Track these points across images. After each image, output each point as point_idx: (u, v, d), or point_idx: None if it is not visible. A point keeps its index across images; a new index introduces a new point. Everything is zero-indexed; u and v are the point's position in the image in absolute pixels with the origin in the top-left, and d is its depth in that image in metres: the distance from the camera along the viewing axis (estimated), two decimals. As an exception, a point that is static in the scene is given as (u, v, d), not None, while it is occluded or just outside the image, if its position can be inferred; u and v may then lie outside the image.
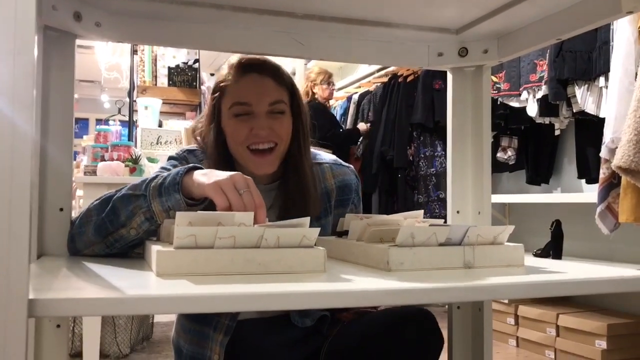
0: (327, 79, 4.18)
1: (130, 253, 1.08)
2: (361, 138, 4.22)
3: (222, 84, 1.20)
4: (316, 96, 4.14)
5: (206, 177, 0.94)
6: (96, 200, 1.05)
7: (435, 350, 1.07)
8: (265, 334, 1.19)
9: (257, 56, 1.22)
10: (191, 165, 1.00)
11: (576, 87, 2.74)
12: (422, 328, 1.07)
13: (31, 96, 0.55)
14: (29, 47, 0.55)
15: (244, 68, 1.19)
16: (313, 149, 1.32)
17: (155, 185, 0.97)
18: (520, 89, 3.06)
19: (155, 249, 0.78)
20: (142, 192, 0.98)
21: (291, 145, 1.20)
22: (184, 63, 4.08)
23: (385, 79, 4.28)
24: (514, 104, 3.13)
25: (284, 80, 1.20)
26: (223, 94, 1.19)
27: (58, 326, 1.06)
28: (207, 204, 0.97)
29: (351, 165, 1.35)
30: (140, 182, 1.01)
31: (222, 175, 0.93)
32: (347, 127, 4.58)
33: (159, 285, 0.71)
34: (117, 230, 1.00)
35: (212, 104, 1.21)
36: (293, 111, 1.21)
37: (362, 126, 4.22)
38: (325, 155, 1.33)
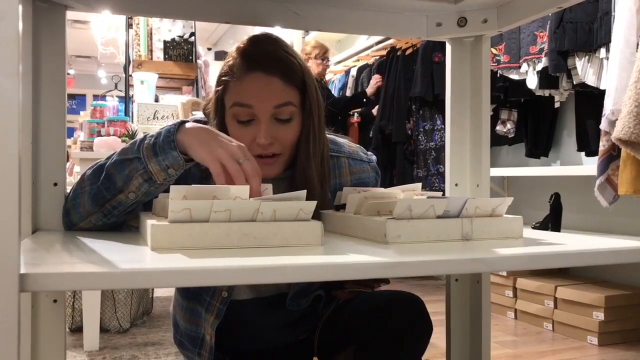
0: (323, 54, 4.08)
1: (126, 224, 1.07)
2: (365, 100, 4.12)
3: (224, 78, 1.08)
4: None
5: (201, 143, 0.93)
6: (88, 169, 1.04)
7: (423, 334, 1.07)
8: (261, 315, 1.18)
9: (266, 48, 1.08)
10: (179, 121, 0.98)
11: (576, 59, 2.71)
12: (411, 312, 1.07)
13: (16, 64, 0.54)
14: (12, 13, 0.53)
15: (248, 64, 1.05)
16: (332, 136, 1.23)
17: (148, 146, 0.95)
18: (520, 61, 3.03)
19: (149, 223, 0.77)
20: (135, 155, 0.96)
21: (299, 147, 1.10)
22: (179, 37, 4.03)
23: (384, 52, 4.24)
24: (514, 76, 3.11)
25: (293, 78, 1.06)
26: (226, 90, 1.08)
27: (55, 301, 1.06)
28: None
29: (373, 158, 1.26)
30: (131, 145, 0.99)
31: (218, 144, 0.92)
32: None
33: (153, 259, 0.70)
34: (114, 197, 0.98)
35: (216, 97, 1.10)
36: (304, 111, 1.09)
37: (371, 87, 4.11)
38: (345, 147, 1.22)
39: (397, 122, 3.81)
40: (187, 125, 0.96)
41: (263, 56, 1.06)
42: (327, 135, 1.20)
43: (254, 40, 1.10)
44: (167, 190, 0.86)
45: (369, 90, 4.10)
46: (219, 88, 1.10)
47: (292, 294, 1.15)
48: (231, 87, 1.07)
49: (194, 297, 1.15)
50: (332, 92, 4.54)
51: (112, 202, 0.99)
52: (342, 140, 1.25)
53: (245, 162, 0.91)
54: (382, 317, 1.06)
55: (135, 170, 0.96)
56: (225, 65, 1.09)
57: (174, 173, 0.96)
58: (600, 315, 2.55)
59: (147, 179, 0.96)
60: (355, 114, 4.37)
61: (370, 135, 4.13)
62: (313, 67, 4.07)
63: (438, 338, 2.54)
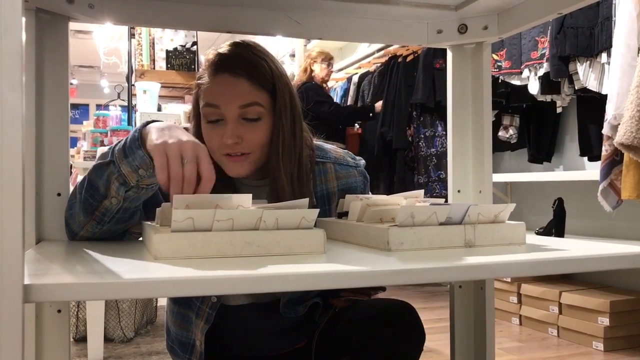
0: (328, 59, 4.16)
1: (129, 231, 1.07)
2: (371, 114, 4.08)
3: (198, 81, 1.12)
4: (314, 74, 4.13)
5: (158, 134, 0.90)
6: (80, 179, 1.05)
7: (415, 341, 1.07)
8: (256, 321, 1.18)
9: (234, 51, 1.10)
10: (147, 121, 0.97)
11: (578, 64, 2.71)
12: (404, 321, 1.07)
13: (20, 76, 0.54)
14: (16, 26, 0.53)
15: (216, 67, 1.08)
16: (319, 143, 1.24)
17: (120, 148, 0.95)
18: (522, 67, 3.03)
19: (153, 233, 0.77)
20: (110, 159, 0.96)
21: (270, 149, 1.10)
22: (181, 46, 4.04)
23: (385, 59, 4.25)
24: (515, 82, 3.11)
25: (262, 80, 1.08)
26: (199, 92, 1.11)
27: (59, 311, 1.06)
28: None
29: (361, 163, 1.27)
30: (108, 149, 1.00)
31: (173, 137, 0.89)
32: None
33: (156, 269, 0.70)
34: (100, 204, 0.98)
35: (194, 100, 1.14)
36: (276, 112, 1.09)
37: (379, 105, 4.10)
38: (330, 152, 1.23)
39: (397, 129, 3.81)
40: (154, 123, 0.95)
41: (231, 58, 1.09)
42: (315, 142, 1.21)
43: (226, 45, 1.13)
44: (167, 200, 0.87)
45: (378, 109, 4.06)
46: (194, 92, 1.13)
47: (286, 300, 1.15)
48: (203, 90, 1.10)
49: (184, 303, 1.16)
50: (335, 100, 4.55)
51: (100, 209, 0.99)
52: (328, 146, 1.25)
53: (187, 165, 0.86)
54: (376, 326, 1.07)
55: (112, 174, 0.96)
56: (199, 72, 1.13)
57: (144, 174, 0.94)
58: (605, 321, 2.54)
59: (122, 182, 0.95)
60: (356, 125, 4.37)
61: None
62: (318, 71, 4.12)
63: (442, 345, 2.54)
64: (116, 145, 0.98)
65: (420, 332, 1.07)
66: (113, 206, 0.98)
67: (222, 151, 1.08)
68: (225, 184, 1.10)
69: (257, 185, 1.16)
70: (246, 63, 1.08)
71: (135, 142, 0.93)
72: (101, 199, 0.98)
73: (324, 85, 4.26)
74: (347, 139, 4.33)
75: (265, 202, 0.96)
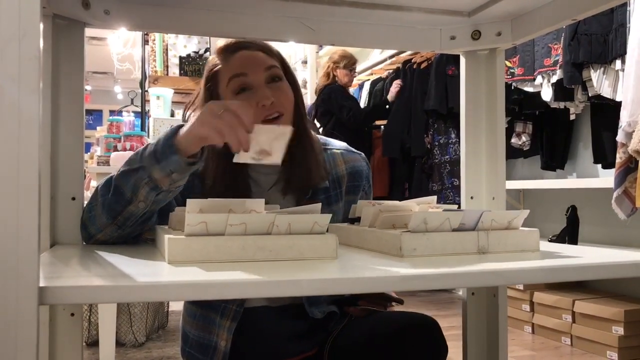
0: (350, 64, 4.06)
1: (142, 237, 1.08)
2: (387, 107, 4.03)
3: (213, 70, 1.18)
4: (336, 79, 4.04)
5: (194, 128, 0.94)
6: (101, 182, 1.06)
7: (438, 358, 1.06)
8: (273, 323, 1.19)
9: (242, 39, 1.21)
10: (177, 125, 1.00)
11: (592, 71, 2.70)
12: (427, 338, 1.06)
13: (37, 80, 0.55)
14: (34, 31, 0.54)
15: (233, 47, 1.18)
16: (323, 137, 1.31)
17: (150, 154, 0.97)
18: (535, 74, 3.02)
19: (166, 237, 0.78)
20: (139, 165, 0.98)
21: (295, 115, 1.19)
22: (195, 52, 4.06)
23: (398, 66, 4.24)
24: (529, 88, 3.10)
25: (273, 53, 1.20)
26: (217, 79, 1.17)
27: (72, 315, 1.06)
28: (205, 159, 1.04)
29: (362, 153, 1.34)
30: (134, 155, 1.01)
31: (202, 114, 0.94)
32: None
33: (169, 273, 0.70)
34: (125, 209, 1.00)
35: (208, 89, 1.18)
36: (289, 79, 1.19)
37: (391, 93, 4.03)
38: (335, 142, 1.32)
39: (415, 136, 3.78)
40: (184, 127, 0.98)
41: (244, 41, 1.19)
42: (317, 135, 1.28)
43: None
44: (183, 204, 0.87)
45: (390, 96, 4.02)
46: (209, 84, 1.18)
47: (305, 300, 1.17)
48: (222, 71, 1.16)
49: (207, 305, 1.17)
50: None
51: (124, 213, 1.00)
52: (330, 139, 1.34)
53: (224, 114, 0.91)
54: (397, 342, 1.05)
55: (141, 179, 0.97)
56: (211, 64, 1.20)
57: (178, 177, 0.97)
58: (619, 330, 2.51)
59: (152, 187, 0.97)
60: (382, 127, 4.31)
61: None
62: (340, 76, 4.02)
63: (454, 353, 2.52)
64: (143, 151, 0.99)
65: (444, 348, 1.07)
66: (139, 210, 1.00)
67: (258, 118, 1.10)
68: (238, 174, 1.15)
69: (269, 173, 1.19)
70: (257, 44, 1.19)
71: (169, 147, 0.95)
72: (126, 204, 0.99)
73: (347, 88, 4.17)
74: (373, 143, 4.27)
75: (277, 207, 0.96)
